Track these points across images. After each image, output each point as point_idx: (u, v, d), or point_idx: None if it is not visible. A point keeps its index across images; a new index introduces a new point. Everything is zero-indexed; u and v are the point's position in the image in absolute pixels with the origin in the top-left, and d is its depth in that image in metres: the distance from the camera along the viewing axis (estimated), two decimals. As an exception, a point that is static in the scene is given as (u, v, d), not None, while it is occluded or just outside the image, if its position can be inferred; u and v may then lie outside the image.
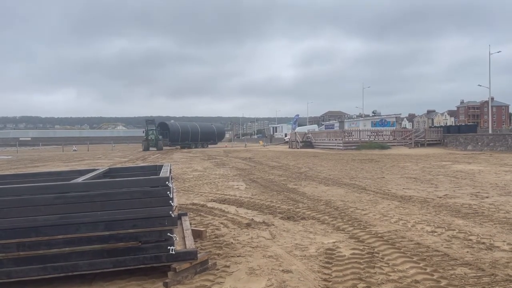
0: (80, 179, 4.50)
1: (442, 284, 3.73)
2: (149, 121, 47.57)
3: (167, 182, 4.05)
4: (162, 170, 5.22)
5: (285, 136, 67.57)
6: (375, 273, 4.06)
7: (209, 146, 53.03)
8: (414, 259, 4.43)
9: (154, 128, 45.67)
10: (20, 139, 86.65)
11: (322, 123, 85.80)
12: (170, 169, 5.33)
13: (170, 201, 4.01)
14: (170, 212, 3.98)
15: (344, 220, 6.45)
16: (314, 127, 60.27)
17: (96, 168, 6.04)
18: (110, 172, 6.08)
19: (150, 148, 43.52)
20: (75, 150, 46.92)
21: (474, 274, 3.97)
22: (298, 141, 41.70)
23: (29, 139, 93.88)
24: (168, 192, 4.01)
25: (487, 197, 8.44)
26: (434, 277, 3.90)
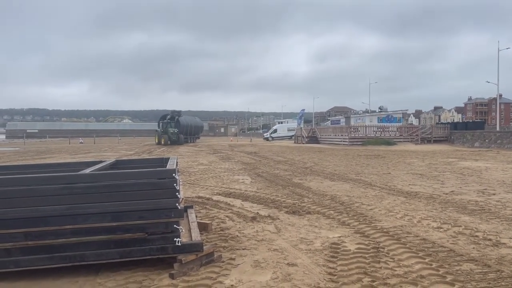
0: (87, 171, 4.53)
1: (447, 280, 3.72)
2: (175, 112, 44.38)
3: (173, 174, 4.07)
4: (168, 163, 5.25)
5: (264, 133, 67.69)
6: (380, 267, 4.06)
7: (196, 140, 51.31)
8: (419, 255, 4.42)
9: (174, 121, 42.81)
10: (27, 131, 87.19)
11: (328, 118, 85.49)
12: (177, 162, 5.35)
13: (177, 193, 4.02)
14: (177, 204, 4.00)
15: (350, 215, 6.45)
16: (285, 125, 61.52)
17: (103, 160, 6.08)
18: (117, 164, 6.12)
19: (162, 142, 40.35)
20: (82, 143, 47.19)
21: (480, 270, 3.96)
22: (304, 136, 41.65)
23: (36, 131, 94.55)
24: (175, 184, 4.03)
25: (494, 194, 8.38)
26: (440, 273, 3.89)
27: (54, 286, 3.67)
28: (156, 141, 42.34)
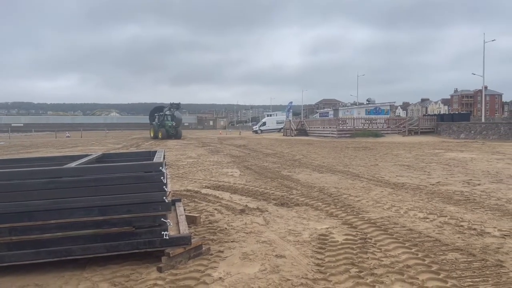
0: (73, 164, 4.47)
1: (433, 269, 3.77)
2: (174, 104, 40.85)
3: (160, 168, 4.04)
4: (156, 156, 5.21)
5: (254, 126, 67.36)
6: (367, 258, 4.10)
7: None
8: (406, 245, 4.48)
9: (171, 114, 39.77)
10: (12, 125, 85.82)
11: (317, 111, 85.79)
12: (164, 155, 5.31)
13: (164, 187, 4.00)
14: (164, 197, 3.97)
15: (338, 207, 6.49)
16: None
17: (89, 154, 6.01)
18: (104, 158, 6.05)
19: (160, 136, 37.63)
20: (68, 137, 46.54)
21: (465, 259, 4.02)
22: (293, 129, 41.73)
23: (22, 125, 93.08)
24: (162, 178, 3.99)
25: (478, 184, 8.52)
26: (426, 262, 3.95)
27: (39, 281, 3.62)
28: (152, 135, 39.98)
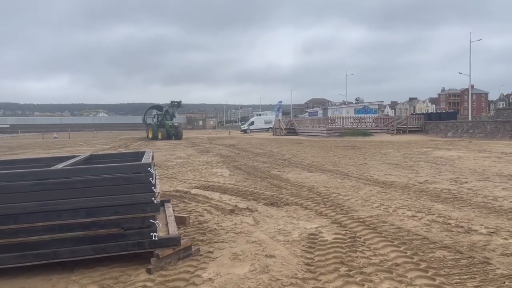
0: (60, 166, 4.42)
1: (421, 267, 3.81)
2: (175, 103, 38.10)
3: (149, 168, 4.01)
4: (144, 157, 5.17)
5: (242, 125, 67.12)
6: (356, 257, 4.12)
7: None
8: (395, 243, 4.51)
9: (170, 114, 37.46)
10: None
11: (306, 110, 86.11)
12: (152, 156, 5.28)
13: (153, 187, 3.97)
14: (153, 198, 3.94)
15: (327, 206, 6.51)
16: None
17: (77, 155, 5.94)
18: (92, 159, 5.99)
19: (160, 137, 35.41)
20: (56, 137, 45.97)
21: (453, 257, 4.07)
22: (282, 128, 41.81)
23: (8, 126, 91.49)
24: (151, 178, 3.97)
25: (466, 182, 8.62)
26: (414, 260, 3.98)
27: (27, 284, 3.57)
28: (151, 136, 36.92)
